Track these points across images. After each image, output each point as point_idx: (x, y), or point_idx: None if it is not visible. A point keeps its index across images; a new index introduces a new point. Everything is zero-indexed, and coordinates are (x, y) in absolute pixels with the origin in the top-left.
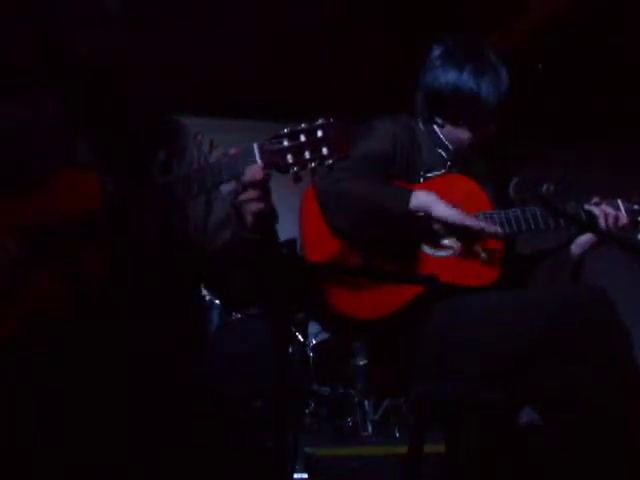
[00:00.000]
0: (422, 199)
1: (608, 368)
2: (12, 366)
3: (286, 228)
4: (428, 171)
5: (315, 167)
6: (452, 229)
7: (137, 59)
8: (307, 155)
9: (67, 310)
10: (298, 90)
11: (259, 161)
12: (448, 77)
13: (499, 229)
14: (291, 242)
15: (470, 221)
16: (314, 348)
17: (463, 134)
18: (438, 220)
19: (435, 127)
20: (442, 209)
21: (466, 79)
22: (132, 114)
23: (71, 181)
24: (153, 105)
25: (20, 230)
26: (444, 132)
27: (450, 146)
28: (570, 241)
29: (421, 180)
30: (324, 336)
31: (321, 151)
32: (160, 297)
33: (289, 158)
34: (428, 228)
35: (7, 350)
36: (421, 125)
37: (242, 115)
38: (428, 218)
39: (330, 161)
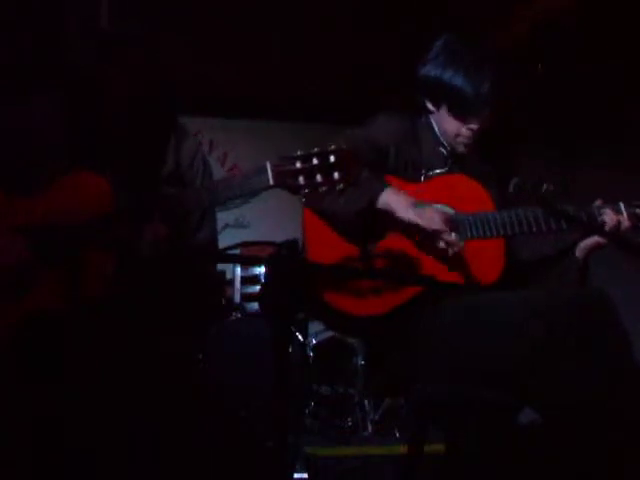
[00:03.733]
0: (388, 202)
1: (608, 369)
2: (12, 365)
3: (288, 228)
4: (429, 169)
5: (325, 191)
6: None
7: (137, 59)
8: (319, 178)
9: (68, 310)
10: (298, 90)
11: (271, 180)
12: (434, 66)
13: (452, 237)
14: (292, 242)
15: (424, 223)
16: (314, 348)
17: (448, 124)
18: (401, 222)
19: (431, 118)
20: (403, 213)
21: (447, 70)
22: (134, 115)
23: (81, 184)
24: (154, 105)
25: (26, 230)
26: (435, 121)
27: (444, 141)
28: (573, 245)
29: (422, 178)
30: (324, 336)
31: (332, 176)
32: (160, 299)
33: (301, 180)
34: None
35: (7, 349)
36: (423, 119)
37: (242, 115)
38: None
39: (340, 186)
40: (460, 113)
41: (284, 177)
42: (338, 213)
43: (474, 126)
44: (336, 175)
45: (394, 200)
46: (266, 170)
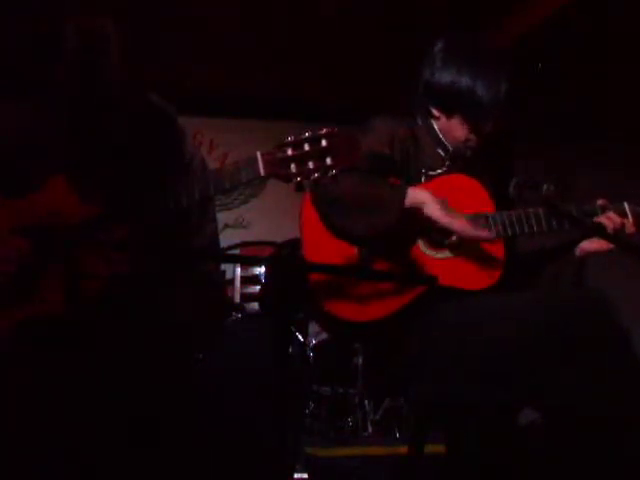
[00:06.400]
0: (416, 196)
1: (608, 369)
2: (12, 365)
3: (288, 229)
4: (429, 169)
5: (318, 177)
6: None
7: (137, 59)
8: (311, 165)
9: (67, 311)
10: (298, 90)
11: (262, 170)
12: (446, 73)
13: (488, 234)
14: (291, 242)
15: (457, 225)
16: (314, 348)
17: (458, 130)
18: (429, 220)
19: (433, 123)
20: (432, 209)
21: (464, 77)
22: (133, 116)
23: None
24: (154, 106)
25: (24, 231)
26: (440, 127)
27: (448, 144)
28: (573, 244)
29: (422, 179)
30: (324, 336)
31: (325, 161)
32: (160, 299)
33: (292, 168)
34: (428, 229)
35: (7, 349)
36: (420, 122)
37: (242, 115)
38: (426, 219)
39: (334, 171)
40: (476, 119)
41: (275, 166)
42: (365, 222)
43: (486, 130)
44: (328, 160)
45: (421, 194)
46: (256, 160)
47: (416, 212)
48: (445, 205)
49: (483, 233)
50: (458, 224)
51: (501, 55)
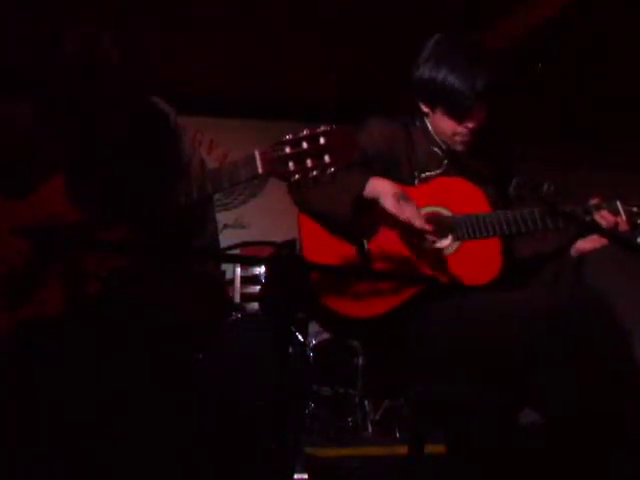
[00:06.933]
0: (375, 187)
1: (608, 369)
2: (12, 365)
3: (287, 229)
4: (423, 171)
5: (317, 175)
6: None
7: (137, 59)
8: (309, 163)
9: (67, 311)
10: (298, 90)
11: (260, 169)
12: (427, 68)
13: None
14: (291, 242)
15: (404, 216)
16: (314, 348)
17: (442, 122)
18: (385, 211)
19: (426, 121)
20: (386, 200)
21: (441, 70)
22: (132, 116)
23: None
24: (153, 106)
25: (24, 231)
26: (431, 123)
27: (441, 142)
28: (570, 243)
29: (415, 181)
30: (324, 336)
31: (323, 159)
32: (160, 299)
33: (291, 166)
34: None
35: (7, 349)
36: (417, 122)
37: (242, 115)
38: (383, 210)
39: (332, 169)
40: (456, 112)
41: (273, 164)
42: (326, 208)
43: (471, 124)
44: (327, 158)
45: (380, 185)
46: (254, 158)
47: (377, 204)
48: (405, 196)
49: (425, 225)
50: (406, 215)
51: (482, 53)
